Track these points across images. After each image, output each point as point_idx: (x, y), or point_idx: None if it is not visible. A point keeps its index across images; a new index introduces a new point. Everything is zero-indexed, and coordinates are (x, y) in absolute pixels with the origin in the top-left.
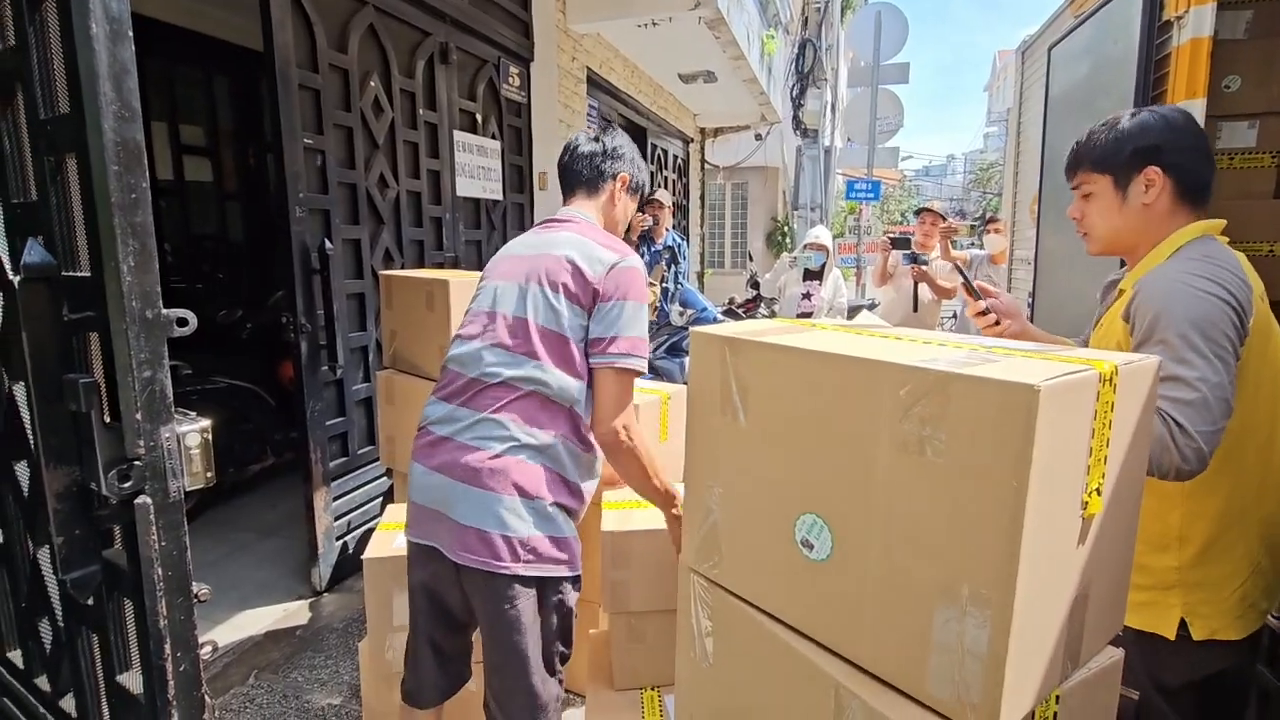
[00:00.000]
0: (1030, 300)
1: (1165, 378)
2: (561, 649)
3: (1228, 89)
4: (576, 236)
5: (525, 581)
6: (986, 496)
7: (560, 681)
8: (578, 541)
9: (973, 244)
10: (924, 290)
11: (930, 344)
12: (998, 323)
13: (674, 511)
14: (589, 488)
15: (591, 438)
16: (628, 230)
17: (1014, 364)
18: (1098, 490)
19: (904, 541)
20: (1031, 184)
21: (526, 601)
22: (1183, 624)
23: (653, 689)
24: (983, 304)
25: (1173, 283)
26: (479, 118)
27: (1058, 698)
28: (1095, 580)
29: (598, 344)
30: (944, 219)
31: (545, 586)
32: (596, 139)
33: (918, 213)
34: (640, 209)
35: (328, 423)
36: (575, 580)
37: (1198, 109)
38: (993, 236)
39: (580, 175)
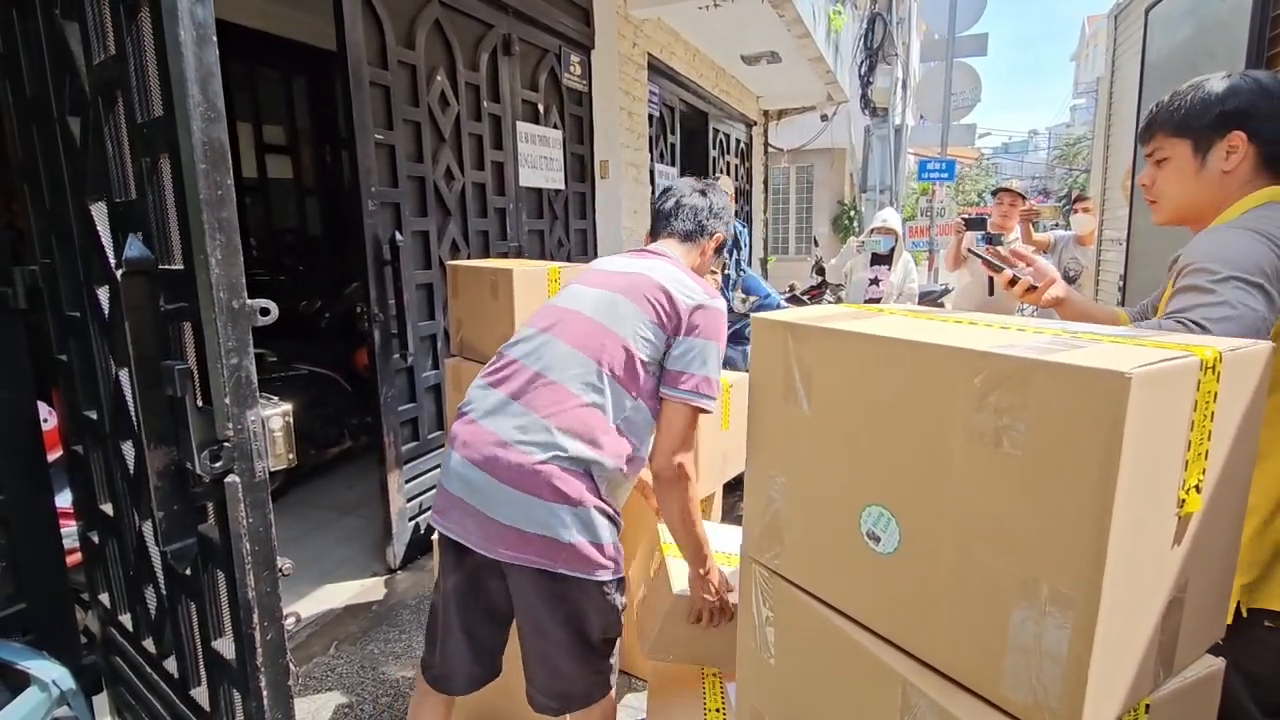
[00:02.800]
0: (1121, 283)
1: (1188, 291)
2: (607, 638)
3: None
4: (672, 269)
5: (569, 582)
6: (1070, 491)
7: (612, 667)
8: (619, 548)
9: (1056, 225)
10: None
11: (1008, 329)
12: (1033, 289)
13: (701, 571)
14: (622, 503)
15: (636, 464)
16: None
17: (1102, 350)
18: (1197, 487)
19: (977, 536)
20: (1124, 158)
21: (568, 603)
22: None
23: (714, 674)
24: (1009, 273)
25: (1215, 235)
26: (541, 108)
27: (1147, 706)
28: (1193, 583)
29: (675, 377)
30: (1023, 199)
31: (587, 589)
32: (704, 193)
33: (995, 193)
34: None
35: (400, 408)
36: (619, 583)
37: None
38: (1081, 216)
39: (681, 224)
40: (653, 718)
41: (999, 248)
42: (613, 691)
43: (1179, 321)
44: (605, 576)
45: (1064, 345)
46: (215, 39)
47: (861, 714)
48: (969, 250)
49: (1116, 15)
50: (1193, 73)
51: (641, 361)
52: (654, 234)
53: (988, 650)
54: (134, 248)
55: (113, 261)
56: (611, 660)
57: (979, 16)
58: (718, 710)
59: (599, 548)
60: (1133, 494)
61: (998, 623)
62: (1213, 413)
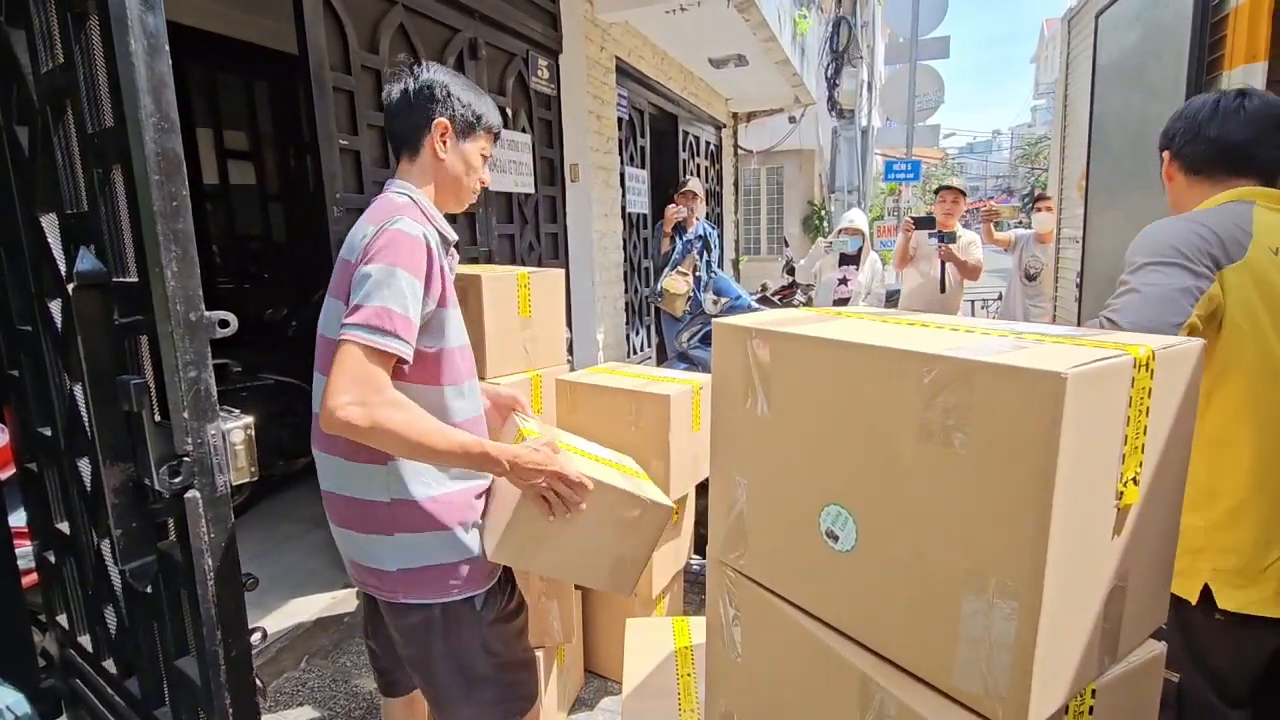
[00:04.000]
0: (1079, 279)
1: (1116, 288)
2: (504, 661)
3: None
4: (359, 224)
5: (418, 608)
6: (1013, 487)
7: (514, 695)
8: (470, 562)
9: (1019, 223)
10: (951, 272)
11: (958, 331)
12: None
13: (492, 467)
14: (448, 488)
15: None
16: (660, 220)
17: (1043, 350)
18: (1134, 480)
19: (930, 532)
20: (1079, 158)
21: (430, 628)
22: (1210, 593)
23: (688, 675)
24: None
25: (1145, 229)
26: (509, 112)
27: (1094, 691)
28: (1133, 572)
29: (347, 313)
30: (964, 195)
31: (439, 609)
32: (402, 82)
33: (937, 191)
34: (672, 200)
35: None
36: (487, 597)
37: (1258, 73)
38: (1042, 215)
39: (398, 135)
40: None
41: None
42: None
43: (1101, 320)
44: (458, 594)
45: (1009, 346)
46: (167, 48)
47: (825, 709)
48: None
49: (1070, 20)
50: (1140, 77)
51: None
52: (394, 157)
53: (941, 643)
54: (86, 260)
55: (64, 274)
56: (512, 688)
57: (941, 18)
58: (692, 710)
59: (433, 568)
60: (1072, 488)
61: (950, 616)
62: (1148, 408)
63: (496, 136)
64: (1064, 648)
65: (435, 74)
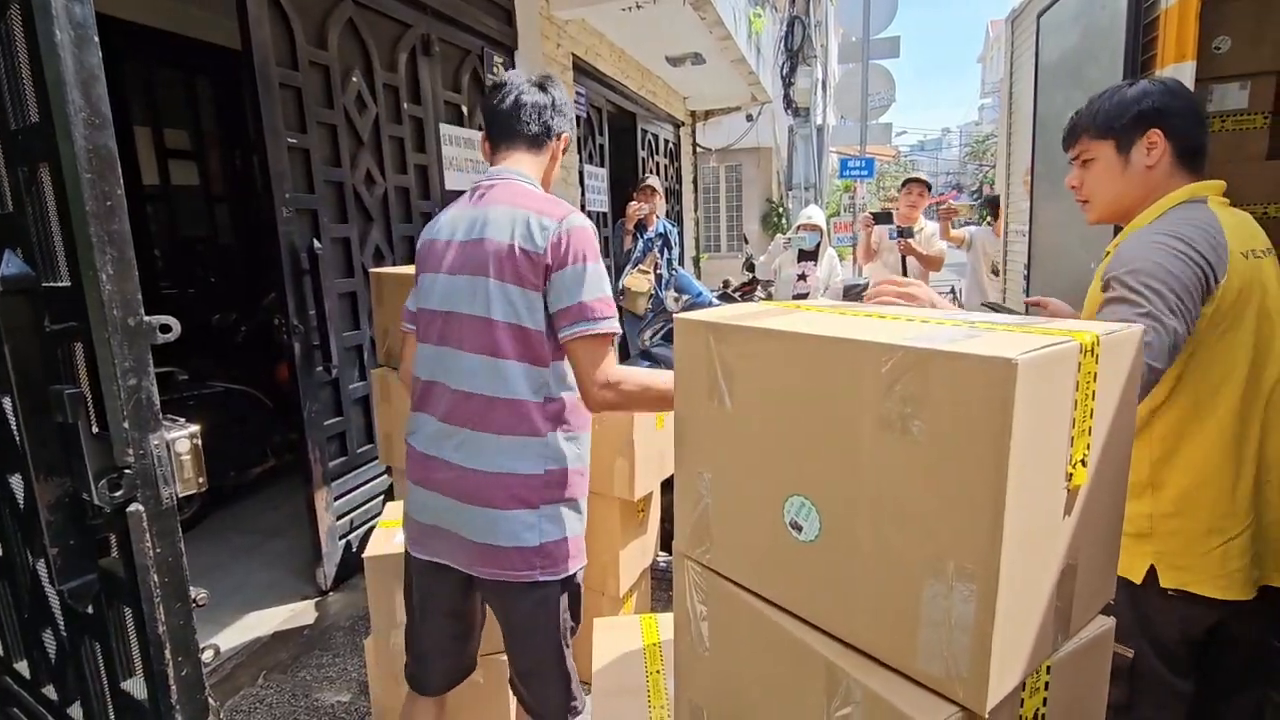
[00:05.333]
0: (1026, 273)
1: (1118, 304)
2: (572, 624)
3: (1218, 50)
4: (513, 210)
5: (543, 585)
6: (968, 472)
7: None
8: (581, 538)
9: (969, 221)
10: (912, 264)
11: (913, 321)
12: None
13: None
14: (585, 461)
15: (578, 415)
16: (621, 218)
17: (995, 338)
18: (1083, 461)
19: (890, 520)
20: (1024, 155)
21: (547, 603)
22: (1154, 572)
23: (658, 672)
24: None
25: (1141, 241)
26: (465, 109)
27: (1049, 668)
28: (1083, 550)
29: (560, 317)
30: (929, 188)
31: (559, 585)
32: (543, 88)
33: (904, 184)
34: (632, 197)
35: (326, 423)
36: (581, 572)
37: (1187, 71)
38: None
39: (524, 128)
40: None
41: (911, 240)
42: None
43: (1153, 330)
44: (574, 568)
45: (962, 335)
46: (97, 39)
47: (793, 698)
48: (900, 230)
49: (1013, 20)
50: (1080, 76)
51: (531, 331)
52: (493, 142)
53: (904, 627)
54: (12, 264)
55: None
56: (570, 645)
57: (891, 19)
58: (662, 707)
59: (567, 541)
60: (1024, 471)
61: (912, 601)
62: (1094, 391)
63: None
64: (1020, 627)
65: (565, 91)
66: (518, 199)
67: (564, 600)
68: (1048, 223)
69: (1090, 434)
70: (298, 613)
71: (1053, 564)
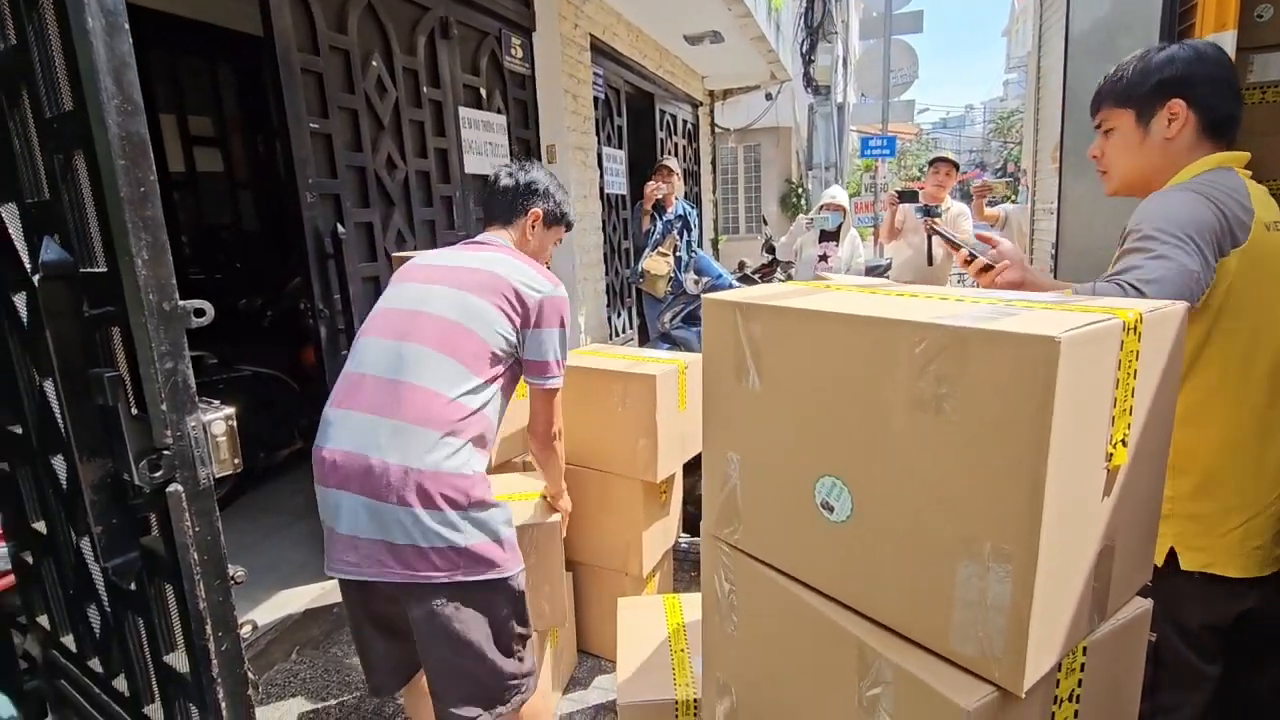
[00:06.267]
0: (1054, 251)
1: (1128, 254)
2: (519, 634)
3: (1260, 18)
4: (511, 260)
5: (472, 586)
6: (1007, 452)
7: (529, 667)
8: (514, 539)
9: (1007, 199)
10: (937, 244)
11: (947, 300)
12: (987, 268)
13: (558, 499)
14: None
15: (486, 442)
16: (639, 200)
17: (1033, 316)
18: (1123, 441)
19: (924, 500)
20: (1053, 130)
21: (475, 607)
22: (1173, 555)
23: (682, 650)
24: (966, 251)
25: (1160, 197)
26: (483, 92)
27: (1085, 649)
28: (1122, 531)
29: (537, 368)
30: (957, 168)
31: (495, 588)
32: (512, 174)
33: (931, 163)
34: (650, 177)
35: None
36: (521, 575)
37: (1228, 41)
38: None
39: (495, 209)
40: (624, 697)
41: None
42: (534, 694)
43: (1116, 284)
44: (511, 571)
45: (999, 314)
46: (127, 26)
47: (823, 677)
48: (932, 229)
49: None
50: (1112, 47)
51: (494, 354)
52: (486, 222)
53: (937, 607)
54: (51, 251)
55: (28, 266)
56: (526, 661)
57: None
58: (687, 685)
59: (499, 544)
60: (1064, 451)
61: (945, 581)
62: (1135, 370)
63: (569, 228)
64: (1057, 608)
65: (538, 172)
66: (514, 256)
67: (499, 604)
68: (1078, 200)
69: (1131, 413)
70: (327, 591)
71: (1091, 545)
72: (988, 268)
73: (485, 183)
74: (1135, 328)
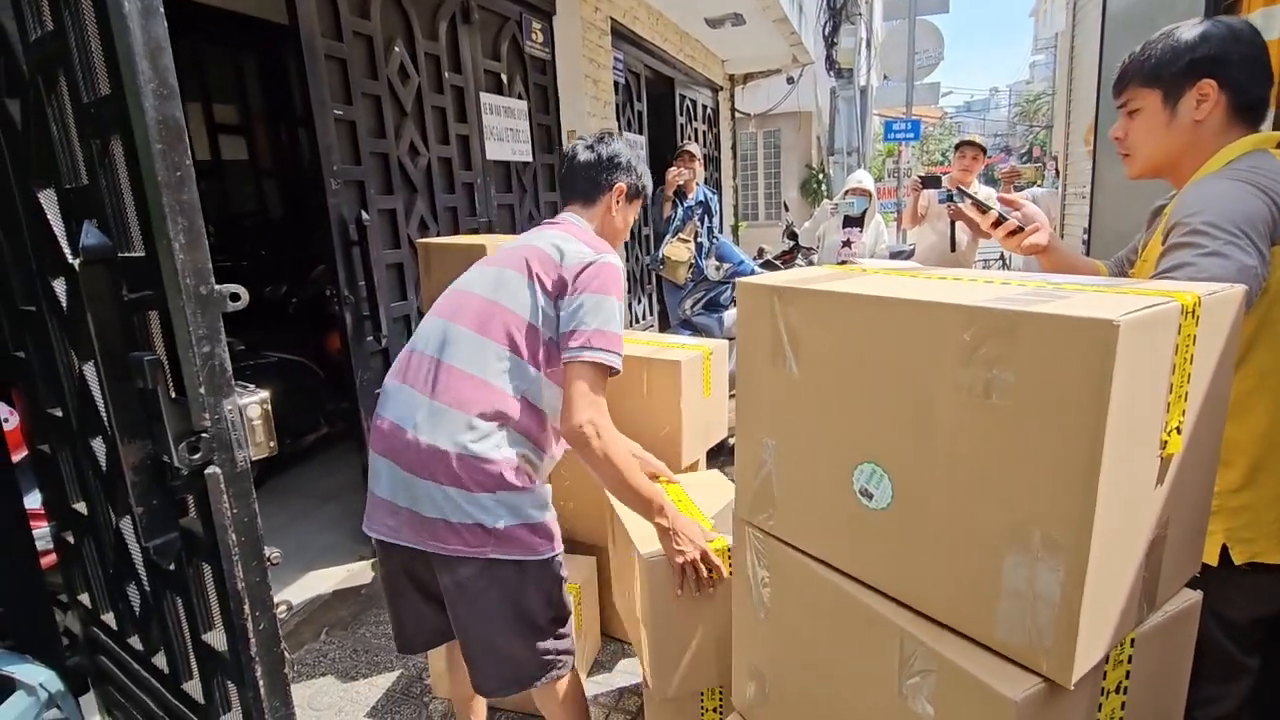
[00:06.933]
0: (1085, 236)
1: (1180, 249)
2: (555, 616)
3: None
4: (560, 234)
5: (503, 565)
6: (1059, 439)
7: (565, 649)
8: (552, 522)
9: (1035, 184)
10: (960, 229)
11: (992, 283)
12: (1016, 230)
13: (660, 521)
14: (545, 476)
15: (551, 434)
16: (660, 185)
17: (1087, 299)
18: (1178, 429)
19: (969, 487)
20: (1086, 112)
21: (505, 587)
22: (1226, 552)
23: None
24: (995, 213)
25: (1204, 185)
26: (504, 78)
27: (1133, 640)
28: (1173, 521)
29: (566, 337)
30: (984, 152)
31: (525, 569)
32: (592, 147)
33: (957, 146)
34: (672, 162)
35: (376, 391)
36: (555, 560)
37: (1279, 16)
38: None
39: (576, 186)
40: (644, 548)
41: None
42: (569, 673)
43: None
44: (544, 554)
45: (1049, 296)
46: (162, 10)
47: (861, 666)
48: (958, 190)
49: None
50: (1153, 26)
51: (535, 330)
52: (564, 200)
53: (982, 597)
54: (91, 235)
55: (68, 251)
56: (562, 640)
57: None
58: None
59: (530, 528)
60: (1119, 438)
61: (990, 570)
62: (1192, 355)
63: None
64: (1107, 599)
65: (619, 144)
66: (569, 230)
67: (530, 586)
68: (1111, 185)
69: (1186, 399)
70: (354, 573)
71: (1143, 535)
72: (1016, 230)
73: (563, 158)
74: (1194, 311)
